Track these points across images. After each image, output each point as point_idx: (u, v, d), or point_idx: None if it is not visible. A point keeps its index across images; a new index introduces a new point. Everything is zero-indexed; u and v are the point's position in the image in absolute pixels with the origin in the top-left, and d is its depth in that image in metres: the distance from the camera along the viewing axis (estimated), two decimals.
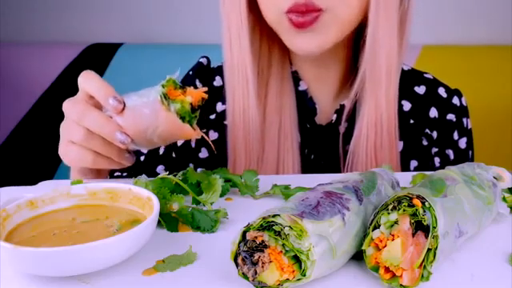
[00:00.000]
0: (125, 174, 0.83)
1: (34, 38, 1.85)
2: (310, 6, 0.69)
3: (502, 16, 1.65)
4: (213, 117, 0.85)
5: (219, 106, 0.85)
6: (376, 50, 0.74)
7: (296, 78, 0.82)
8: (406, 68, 0.89)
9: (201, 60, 0.89)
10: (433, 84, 0.89)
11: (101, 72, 1.65)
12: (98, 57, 1.68)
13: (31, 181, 0.71)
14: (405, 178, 0.67)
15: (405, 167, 0.84)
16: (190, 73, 0.88)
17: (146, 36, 1.82)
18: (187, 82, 0.86)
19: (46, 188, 0.59)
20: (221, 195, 0.62)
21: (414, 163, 0.85)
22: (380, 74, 0.75)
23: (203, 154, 0.84)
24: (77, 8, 1.85)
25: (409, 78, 0.88)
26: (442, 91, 0.89)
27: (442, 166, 0.84)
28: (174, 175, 0.62)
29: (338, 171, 0.81)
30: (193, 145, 0.84)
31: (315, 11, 0.70)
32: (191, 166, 0.85)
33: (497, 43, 1.63)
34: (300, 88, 0.82)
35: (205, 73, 0.88)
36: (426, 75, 0.90)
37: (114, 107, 0.59)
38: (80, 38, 1.79)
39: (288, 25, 0.72)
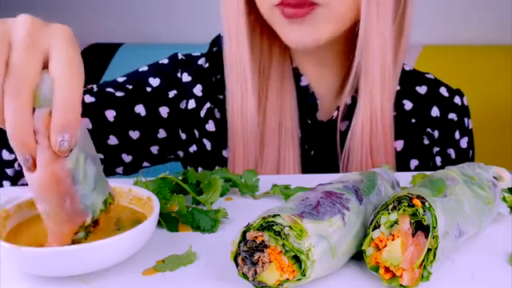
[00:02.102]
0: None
1: None
2: None
3: (502, 16, 1.65)
4: (221, 97, 0.84)
5: None
6: (368, 45, 0.74)
7: (297, 75, 0.83)
8: (407, 68, 0.89)
9: (221, 43, 0.88)
10: (434, 84, 0.89)
11: (101, 72, 1.64)
12: (98, 57, 1.68)
13: None
14: (405, 178, 0.67)
15: (405, 166, 0.84)
16: (214, 48, 0.86)
17: (146, 36, 1.82)
18: (207, 56, 0.86)
19: None
20: (221, 195, 0.62)
21: (414, 162, 0.85)
22: (373, 69, 0.75)
23: (210, 126, 0.84)
24: (77, 8, 1.85)
25: (410, 79, 0.88)
26: (443, 90, 0.89)
27: (443, 166, 0.84)
28: (174, 175, 0.62)
29: (338, 168, 0.82)
30: (202, 114, 0.84)
31: (308, 5, 0.70)
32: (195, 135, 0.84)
33: (497, 43, 1.63)
34: (302, 84, 0.82)
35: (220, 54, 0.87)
36: (427, 75, 0.91)
37: (59, 146, 0.41)
38: (80, 37, 1.78)
39: (280, 16, 0.72)
